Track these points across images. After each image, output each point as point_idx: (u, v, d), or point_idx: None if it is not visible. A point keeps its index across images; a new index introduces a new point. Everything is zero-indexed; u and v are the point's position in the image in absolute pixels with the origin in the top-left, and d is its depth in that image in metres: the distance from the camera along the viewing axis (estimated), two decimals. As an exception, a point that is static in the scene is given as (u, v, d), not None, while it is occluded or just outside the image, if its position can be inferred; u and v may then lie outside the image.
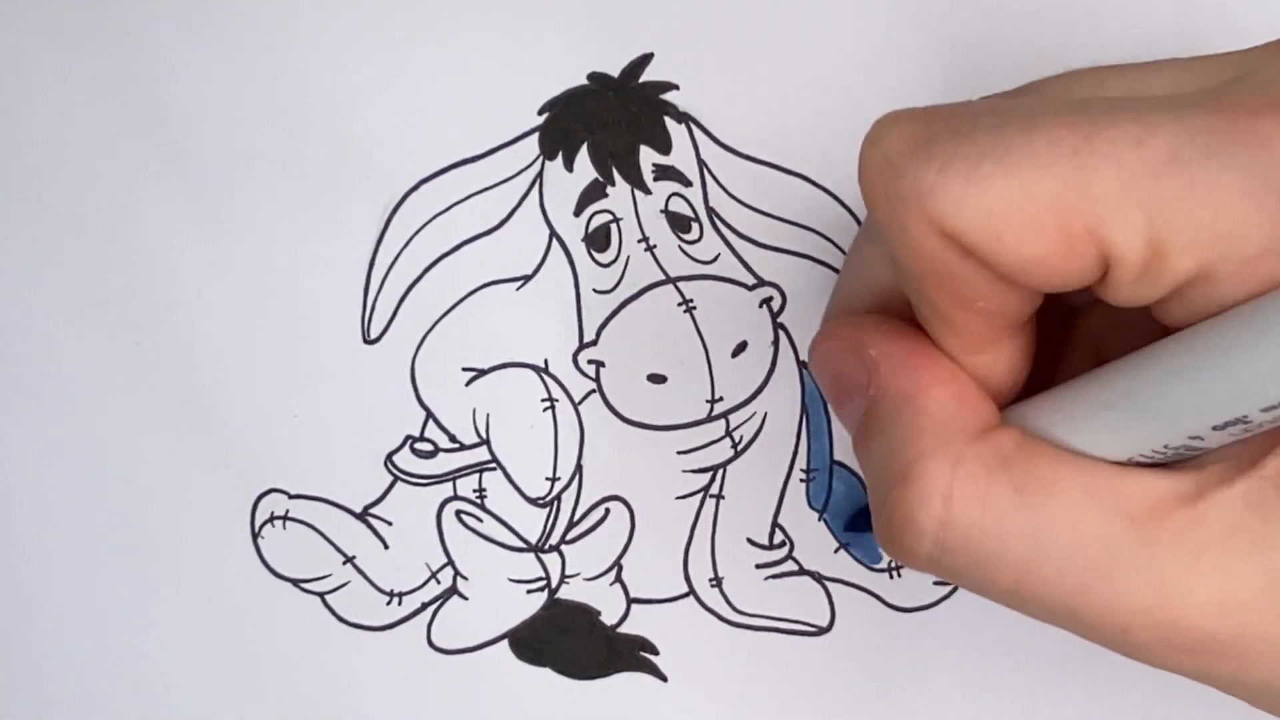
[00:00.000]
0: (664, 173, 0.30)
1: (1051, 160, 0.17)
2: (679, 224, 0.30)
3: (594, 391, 0.30)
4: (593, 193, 0.30)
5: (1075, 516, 0.19)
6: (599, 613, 0.30)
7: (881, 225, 0.19)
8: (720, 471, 0.30)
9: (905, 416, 0.20)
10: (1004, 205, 0.17)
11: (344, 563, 0.30)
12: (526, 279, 0.30)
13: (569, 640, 0.30)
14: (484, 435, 0.30)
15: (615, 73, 0.30)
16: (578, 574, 0.30)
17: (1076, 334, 0.23)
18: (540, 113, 0.30)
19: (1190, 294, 0.18)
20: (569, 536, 0.30)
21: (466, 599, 0.30)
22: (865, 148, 0.19)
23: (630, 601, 0.30)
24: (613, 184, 0.30)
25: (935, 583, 0.29)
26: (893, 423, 0.20)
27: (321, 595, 0.30)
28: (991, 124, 0.18)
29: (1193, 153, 0.17)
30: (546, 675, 0.30)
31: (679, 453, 0.30)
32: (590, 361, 0.30)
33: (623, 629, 0.30)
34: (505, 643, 0.30)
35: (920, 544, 0.20)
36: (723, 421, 0.30)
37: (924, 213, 0.18)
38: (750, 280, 0.30)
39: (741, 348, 0.30)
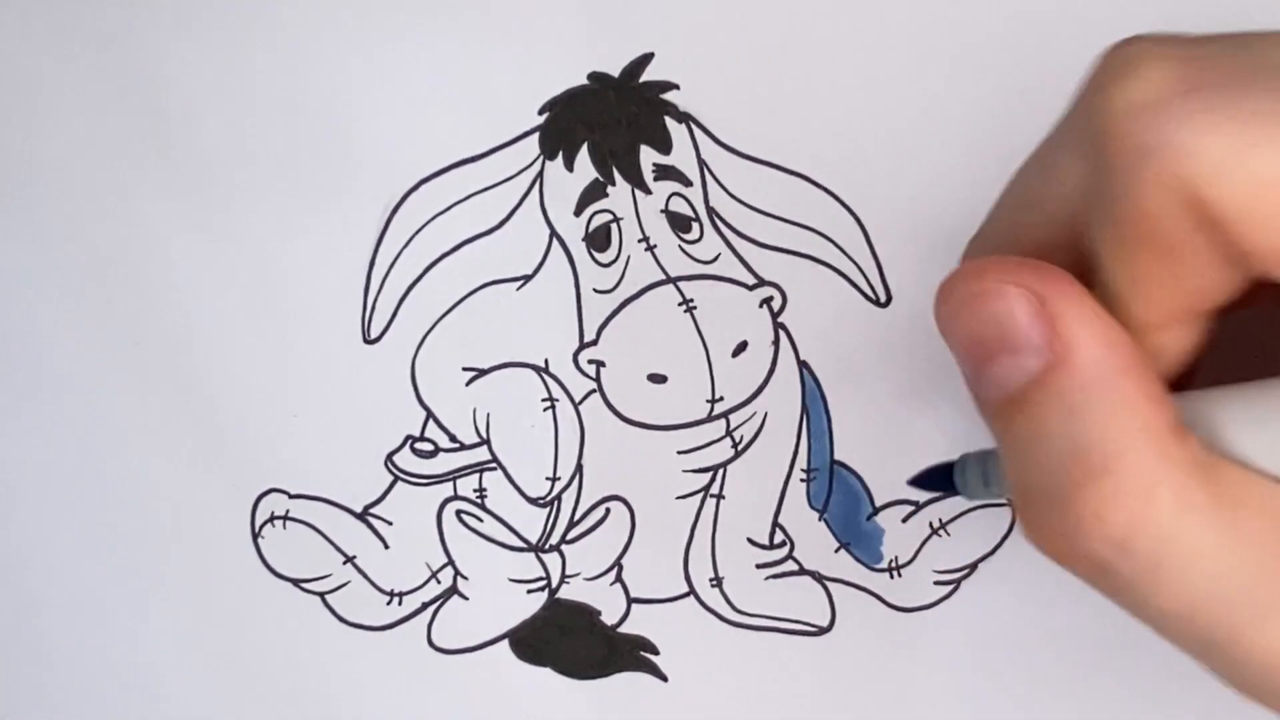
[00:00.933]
0: (664, 172, 0.30)
1: None
2: (679, 224, 0.30)
3: (594, 391, 0.30)
4: (593, 192, 0.30)
5: (1263, 545, 0.17)
6: (599, 612, 0.30)
7: (1113, 174, 0.17)
8: (720, 471, 0.30)
9: (1108, 398, 0.17)
10: (1267, 184, 0.16)
11: (344, 562, 0.30)
12: (527, 279, 0.30)
13: (569, 640, 0.30)
14: (484, 435, 0.30)
15: (615, 73, 0.30)
16: (578, 574, 0.30)
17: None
18: (540, 112, 0.30)
19: None
20: (569, 536, 0.30)
21: (467, 599, 0.30)
22: (1108, 80, 0.17)
23: (630, 601, 0.30)
24: (613, 184, 0.30)
25: (935, 583, 0.29)
26: (1087, 402, 0.17)
27: (321, 595, 0.30)
28: (1264, 88, 0.16)
29: None
30: (546, 675, 0.30)
31: (679, 452, 0.30)
32: (590, 361, 0.30)
33: (623, 629, 0.30)
34: (505, 643, 0.30)
35: (1099, 546, 0.17)
36: (723, 421, 0.30)
37: (1173, 172, 0.16)
38: (750, 280, 0.30)
39: (742, 347, 0.30)
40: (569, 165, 0.30)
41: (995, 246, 0.21)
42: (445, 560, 0.30)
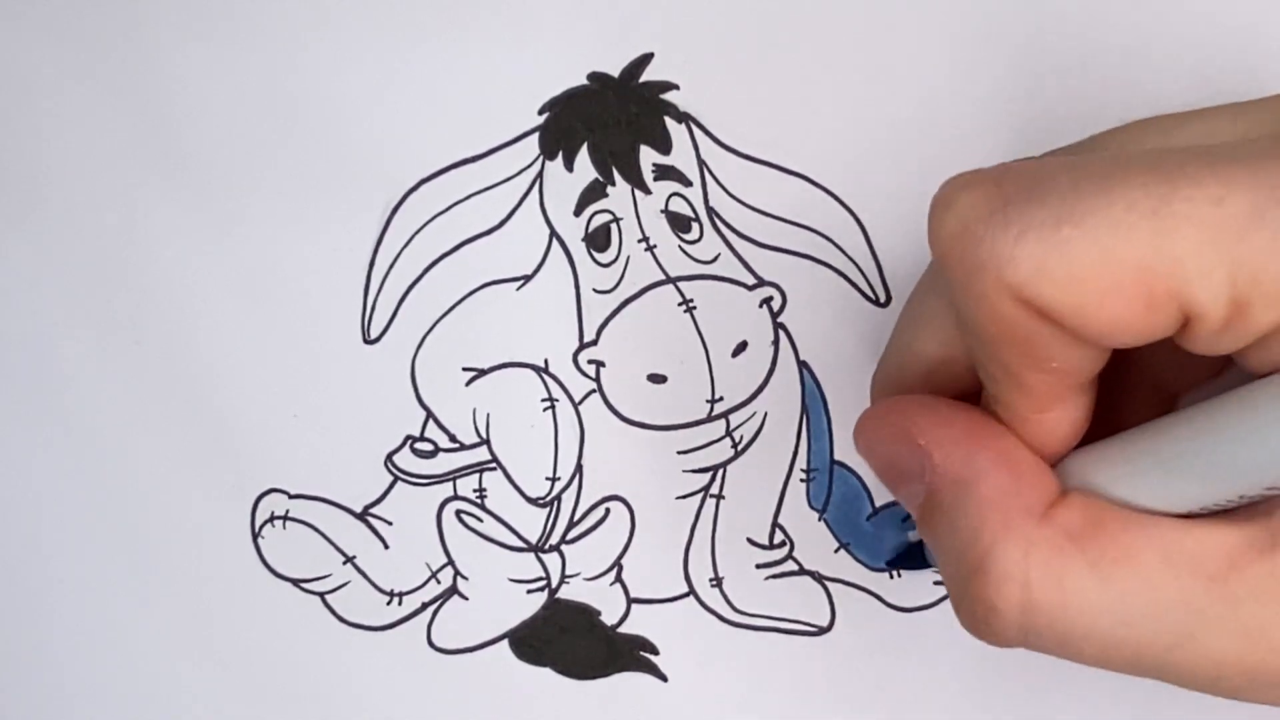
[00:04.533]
0: (664, 172, 0.30)
1: (1131, 223, 0.17)
2: (679, 224, 0.30)
3: (594, 391, 0.30)
4: (593, 192, 0.30)
5: (1154, 584, 0.19)
6: (599, 612, 0.30)
7: (956, 291, 0.19)
8: (720, 471, 0.30)
9: (968, 505, 0.20)
10: (1085, 270, 0.17)
11: (344, 562, 0.30)
12: (527, 279, 0.30)
13: (569, 640, 0.30)
14: (484, 435, 0.30)
15: (615, 72, 0.30)
16: (578, 574, 0.30)
17: (1131, 362, 0.23)
18: (540, 112, 0.30)
19: (1272, 343, 0.18)
20: (569, 536, 0.30)
21: (466, 599, 0.30)
22: (937, 211, 0.19)
23: (630, 601, 0.30)
24: (613, 184, 0.30)
25: (935, 582, 0.29)
26: (955, 511, 0.20)
27: (321, 595, 0.30)
28: (1066, 186, 0.18)
29: (1273, 208, 0.17)
30: (546, 675, 0.30)
31: (679, 452, 0.30)
32: (590, 361, 0.30)
33: (623, 629, 0.30)
34: (505, 643, 0.30)
35: (1006, 630, 0.20)
36: (723, 421, 0.30)
37: (1002, 279, 0.18)
38: (750, 280, 0.30)
39: (741, 347, 0.30)
40: (569, 165, 0.30)
41: (897, 370, 0.24)
42: (445, 560, 0.30)
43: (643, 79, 0.29)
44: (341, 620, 0.30)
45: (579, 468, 0.30)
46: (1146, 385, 0.24)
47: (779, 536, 0.30)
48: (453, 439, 0.30)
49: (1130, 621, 0.19)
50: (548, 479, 0.30)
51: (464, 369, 0.30)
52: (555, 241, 0.30)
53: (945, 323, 0.22)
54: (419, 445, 0.30)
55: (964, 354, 0.22)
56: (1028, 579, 0.19)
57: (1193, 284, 0.17)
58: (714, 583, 0.30)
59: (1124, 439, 0.21)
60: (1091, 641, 0.20)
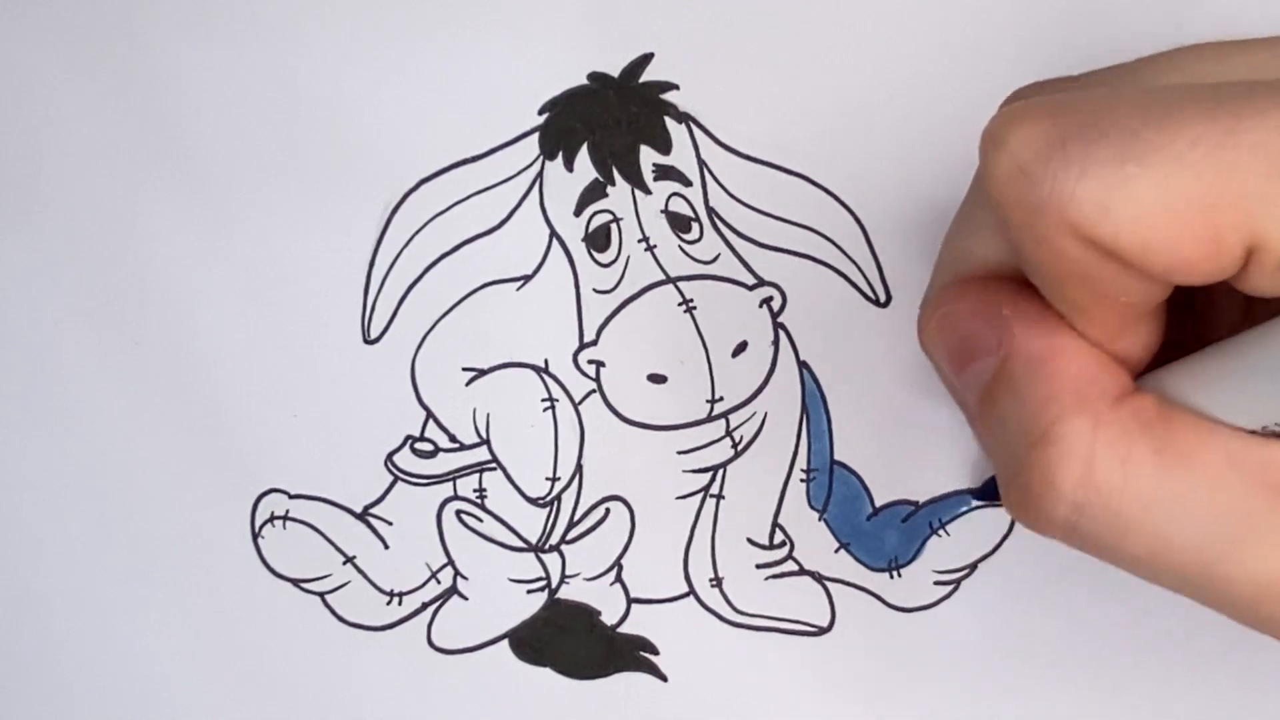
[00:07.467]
0: (664, 172, 0.30)
1: (1196, 158, 0.17)
2: (679, 224, 0.30)
3: (594, 391, 0.30)
4: (593, 192, 0.30)
5: (1217, 484, 0.19)
6: (599, 612, 0.30)
7: (1015, 232, 0.19)
8: (720, 471, 0.30)
9: (1042, 377, 0.20)
10: (1151, 209, 0.17)
11: (344, 562, 0.30)
12: (527, 279, 0.30)
13: (569, 640, 0.30)
14: (484, 435, 0.30)
15: (615, 73, 0.30)
16: (578, 574, 0.30)
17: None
18: (540, 112, 0.30)
19: None
20: (569, 536, 0.30)
21: (466, 599, 0.30)
22: (990, 149, 0.18)
23: (630, 601, 0.30)
24: (613, 184, 0.30)
25: (935, 583, 0.29)
26: (1028, 384, 0.20)
27: (321, 595, 0.30)
28: (1127, 121, 0.17)
29: None
30: (546, 675, 0.30)
31: (679, 452, 0.30)
32: (590, 361, 0.30)
33: (623, 629, 0.30)
34: (505, 643, 0.30)
35: (1058, 508, 0.19)
36: (723, 421, 0.30)
37: (1065, 220, 0.18)
38: (750, 280, 0.30)
39: (741, 348, 0.30)
40: (569, 165, 0.30)
41: (953, 276, 0.23)
42: (445, 560, 0.30)
43: (643, 79, 0.29)
44: (341, 620, 0.30)
45: (579, 468, 0.30)
46: (1201, 316, 0.23)
47: (779, 536, 0.30)
48: (453, 439, 0.30)
49: (1184, 519, 0.19)
50: (548, 479, 0.30)
51: (464, 369, 0.30)
52: (555, 241, 0.30)
53: (1000, 233, 0.22)
54: (419, 445, 0.30)
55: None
56: (1092, 455, 0.19)
57: (1258, 214, 0.17)
58: (714, 583, 0.30)
59: (1195, 357, 0.20)
60: (1141, 536, 0.19)
